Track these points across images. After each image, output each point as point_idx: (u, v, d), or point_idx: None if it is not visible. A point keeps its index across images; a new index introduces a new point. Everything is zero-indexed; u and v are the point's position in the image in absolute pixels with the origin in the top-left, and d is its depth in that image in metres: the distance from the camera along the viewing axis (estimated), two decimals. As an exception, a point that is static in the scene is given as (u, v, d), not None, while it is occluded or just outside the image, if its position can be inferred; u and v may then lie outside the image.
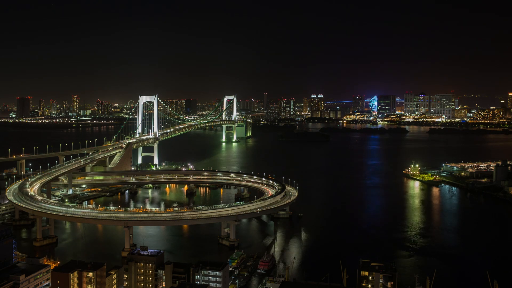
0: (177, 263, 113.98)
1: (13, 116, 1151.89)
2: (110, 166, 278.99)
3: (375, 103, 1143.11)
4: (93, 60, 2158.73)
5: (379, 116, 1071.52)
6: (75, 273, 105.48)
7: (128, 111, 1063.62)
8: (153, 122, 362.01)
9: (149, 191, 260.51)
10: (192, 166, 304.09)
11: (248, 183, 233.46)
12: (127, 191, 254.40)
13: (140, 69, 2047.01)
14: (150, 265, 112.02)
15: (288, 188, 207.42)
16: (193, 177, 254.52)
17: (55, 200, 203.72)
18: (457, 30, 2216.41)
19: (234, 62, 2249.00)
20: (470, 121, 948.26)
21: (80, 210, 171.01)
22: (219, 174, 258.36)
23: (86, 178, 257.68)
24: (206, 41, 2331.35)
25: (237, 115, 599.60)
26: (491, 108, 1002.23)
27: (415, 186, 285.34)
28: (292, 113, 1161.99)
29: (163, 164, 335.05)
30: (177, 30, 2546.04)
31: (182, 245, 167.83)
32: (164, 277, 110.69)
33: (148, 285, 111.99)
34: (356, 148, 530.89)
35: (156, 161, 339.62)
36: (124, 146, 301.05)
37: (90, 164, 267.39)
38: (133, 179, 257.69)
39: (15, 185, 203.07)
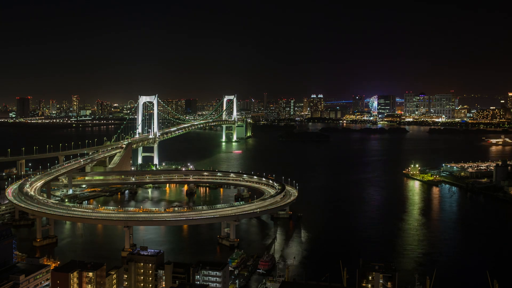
0: (177, 263, 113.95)
1: (13, 116, 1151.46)
2: (110, 166, 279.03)
3: (375, 103, 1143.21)
4: (93, 60, 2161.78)
5: (379, 116, 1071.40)
6: (75, 273, 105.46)
7: (128, 111, 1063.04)
8: (153, 122, 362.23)
9: (149, 191, 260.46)
10: (192, 166, 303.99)
11: (248, 183, 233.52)
12: (127, 191, 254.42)
13: (140, 69, 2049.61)
14: (150, 265, 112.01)
15: (288, 188, 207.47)
16: (193, 177, 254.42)
17: (55, 200, 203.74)
18: (457, 30, 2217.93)
19: (234, 62, 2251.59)
20: (470, 121, 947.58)
21: (80, 210, 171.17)
22: (219, 174, 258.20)
23: (86, 178, 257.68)
24: (206, 41, 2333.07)
25: (237, 115, 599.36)
26: (491, 108, 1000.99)
27: (415, 186, 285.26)
28: (292, 113, 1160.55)
29: (163, 164, 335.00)
30: (177, 30, 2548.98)
31: (182, 245, 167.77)
32: (164, 277, 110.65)
33: (148, 285, 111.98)
34: (356, 148, 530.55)
35: (156, 161, 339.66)
36: (124, 146, 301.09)
37: (90, 164, 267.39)
38: (133, 179, 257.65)
39: (15, 185, 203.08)
